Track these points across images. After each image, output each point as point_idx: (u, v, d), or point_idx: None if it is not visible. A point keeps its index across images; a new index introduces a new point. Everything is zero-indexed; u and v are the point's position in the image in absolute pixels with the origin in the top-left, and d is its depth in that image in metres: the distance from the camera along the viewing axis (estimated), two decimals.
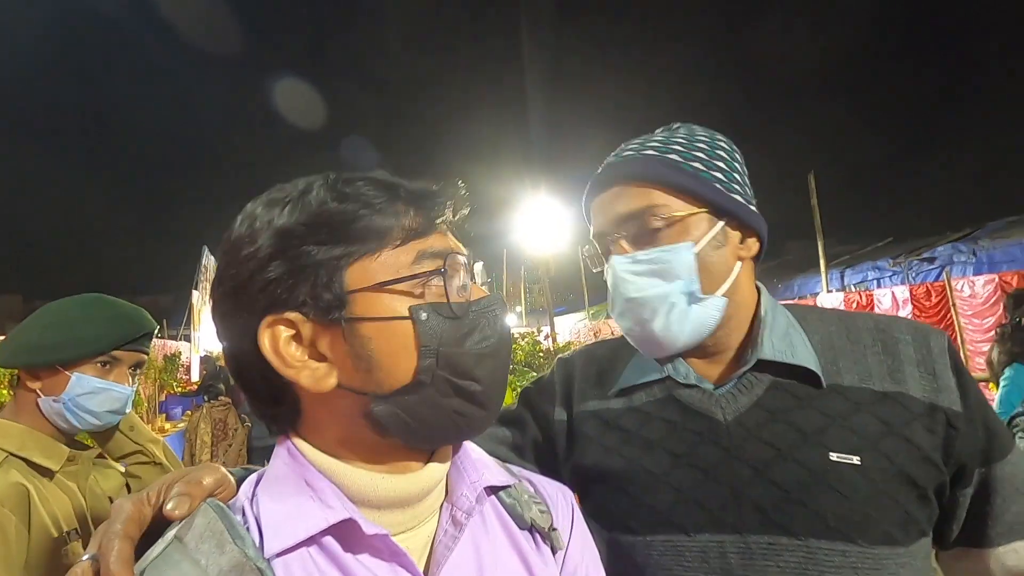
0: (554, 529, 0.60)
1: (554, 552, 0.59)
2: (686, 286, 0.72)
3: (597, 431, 0.80)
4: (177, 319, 15.06)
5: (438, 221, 0.52)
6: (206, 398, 4.56)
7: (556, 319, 13.04)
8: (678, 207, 0.73)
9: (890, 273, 10.55)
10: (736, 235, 0.76)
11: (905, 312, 8.75)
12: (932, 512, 0.69)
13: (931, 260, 9.81)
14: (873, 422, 0.68)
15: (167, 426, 6.80)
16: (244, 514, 0.48)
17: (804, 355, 0.73)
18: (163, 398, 9.33)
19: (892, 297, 9.05)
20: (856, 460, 0.66)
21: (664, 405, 0.76)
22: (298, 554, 0.46)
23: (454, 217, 0.54)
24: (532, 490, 0.63)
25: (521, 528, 0.58)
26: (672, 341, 0.73)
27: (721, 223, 0.74)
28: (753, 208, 0.77)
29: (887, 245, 12.20)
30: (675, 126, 0.81)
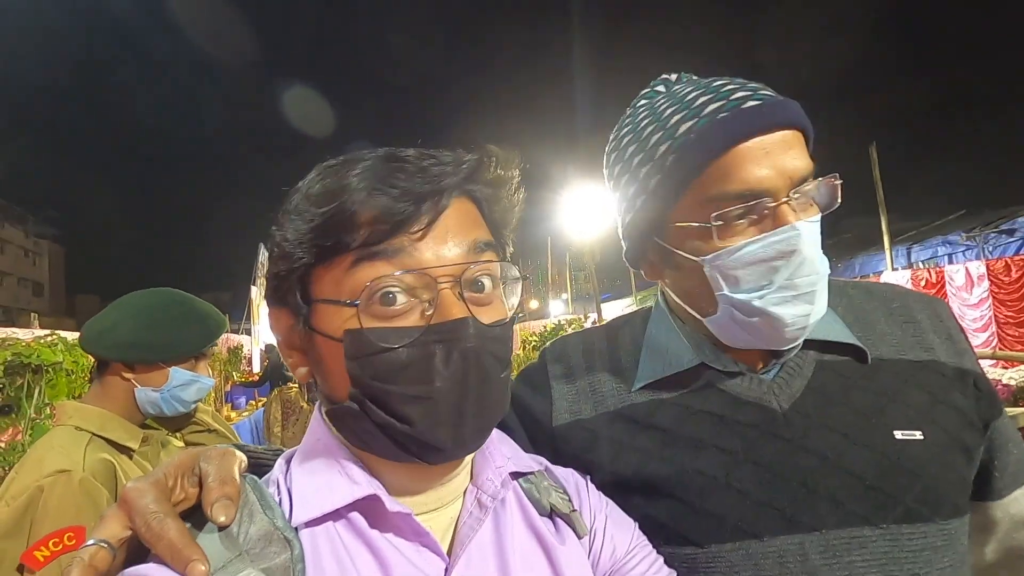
0: (574, 510, 0.58)
1: (579, 537, 0.57)
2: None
3: (626, 434, 0.69)
4: (237, 314, 15.80)
5: (415, 230, 0.46)
6: (279, 383, 5.00)
7: (603, 305, 12.93)
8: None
9: (963, 248, 9.92)
10: None
11: (981, 289, 8.23)
12: (975, 474, 0.68)
13: (1010, 232, 9.16)
14: (921, 394, 0.65)
15: (233, 415, 7.16)
16: (278, 486, 0.50)
17: (842, 331, 0.68)
18: (228, 388, 9.86)
19: (965, 273, 8.50)
20: (919, 435, 0.62)
21: (704, 397, 0.68)
22: (324, 527, 0.47)
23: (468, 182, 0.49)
24: (549, 477, 0.61)
25: (541, 514, 0.57)
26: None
27: None
28: None
29: (959, 218, 11.40)
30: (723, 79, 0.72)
